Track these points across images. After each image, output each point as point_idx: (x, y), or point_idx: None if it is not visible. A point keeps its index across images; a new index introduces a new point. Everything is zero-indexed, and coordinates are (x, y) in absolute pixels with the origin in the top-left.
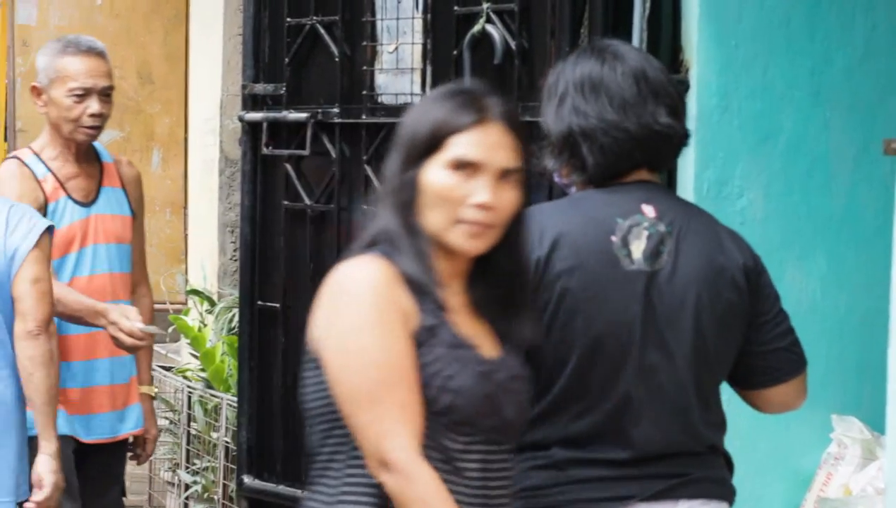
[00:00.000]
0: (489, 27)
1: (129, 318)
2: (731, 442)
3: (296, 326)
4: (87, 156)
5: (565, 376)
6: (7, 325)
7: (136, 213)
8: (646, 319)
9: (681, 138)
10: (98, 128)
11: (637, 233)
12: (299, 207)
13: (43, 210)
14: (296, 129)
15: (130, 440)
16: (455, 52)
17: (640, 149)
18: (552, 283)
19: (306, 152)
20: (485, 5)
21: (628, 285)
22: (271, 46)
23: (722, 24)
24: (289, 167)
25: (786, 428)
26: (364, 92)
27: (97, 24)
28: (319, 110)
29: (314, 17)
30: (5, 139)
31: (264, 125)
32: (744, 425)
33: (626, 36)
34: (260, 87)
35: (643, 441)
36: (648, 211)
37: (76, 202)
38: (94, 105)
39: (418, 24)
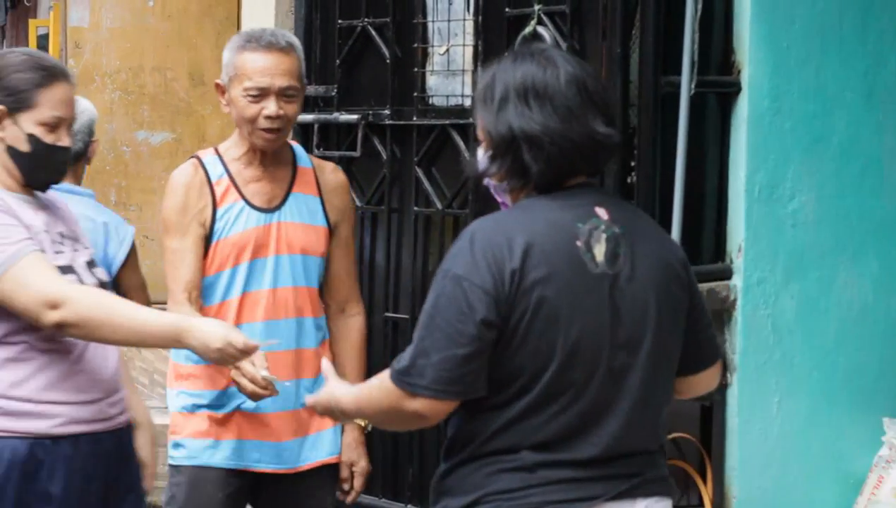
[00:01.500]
0: (540, 28)
1: (253, 364)
2: (783, 445)
3: None
4: (277, 158)
5: (542, 382)
6: None
7: (337, 224)
8: (612, 321)
9: (616, 146)
10: (277, 131)
11: (597, 237)
12: None
13: (211, 215)
14: (347, 131)
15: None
16: (506, 54)
17: (582, 157)
18: (528, 292)
19: (357, 154)
20: (536, 7)
21: (596, 289)
22: (322, 48)
23: (774, 26)
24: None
25: (838, 432)
26: (415, 93)
27: (149, 26)
28: (370, 112)
29: (365, 19)
30: None
31: (315, 127)
32: (797, 428)
33: (678, 37)
34: (311, 89)
35: (611, 441)
36: (602, 214)
37: (255, 207)
38: (270, 106)
39: (469, 25)
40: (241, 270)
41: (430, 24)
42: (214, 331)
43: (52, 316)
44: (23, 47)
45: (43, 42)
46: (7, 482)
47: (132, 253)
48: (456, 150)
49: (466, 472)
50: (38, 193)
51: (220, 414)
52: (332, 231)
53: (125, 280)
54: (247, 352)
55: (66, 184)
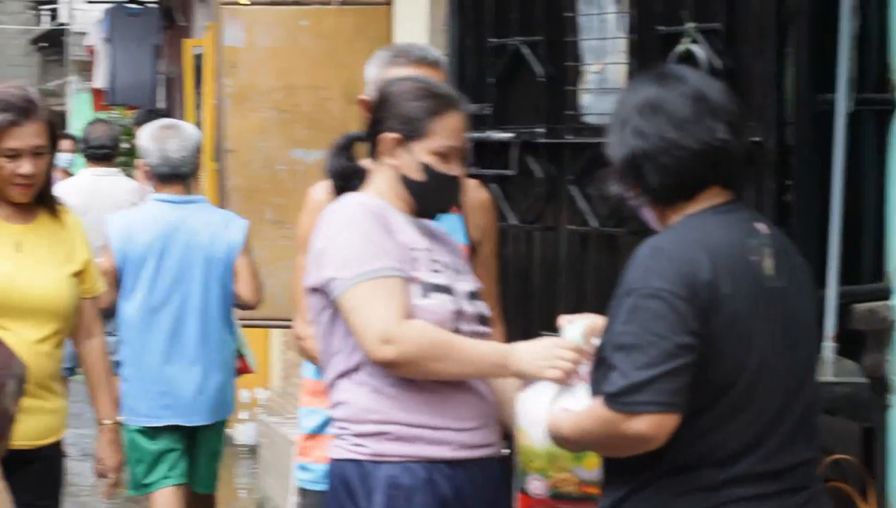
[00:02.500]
0: (694, 47)
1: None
2: None
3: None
4: None
5: (727, 399)
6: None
7: (480, 242)
8: (786, 333)
9: (745, 155)
10: None
11: (766, 252)
12: (505, 227)
13: None
14: (501, 149)
15: None
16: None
17: (704, 166)
18: (720, 307)
19: (512, 172)
20: (689, 24)
21: (773, 303)
22: (475, 67)
23: None
24: (495, 187)
25: None
26: (568, 112)
27: (303, 46)
28: (524, 130)
29: (518, 38)
30: (214, 159)
31: (470, 145)
32: None
33: (834, 54)
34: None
35: (784, 453)
36: (762, 228)
37: None
38: None
39: (622, 43)
40: None
41: (582, 43)
42: (535, 346)
43: (383, 352)
44: (416, 74)
45: (198, 61)
46: (409, 506)
47: (247, 241)
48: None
49: (644, 497)
50: (426, 221)
51: None
52: (474, 249)
53: (241, 266)
54: (576, 350)
55: (180, 196)
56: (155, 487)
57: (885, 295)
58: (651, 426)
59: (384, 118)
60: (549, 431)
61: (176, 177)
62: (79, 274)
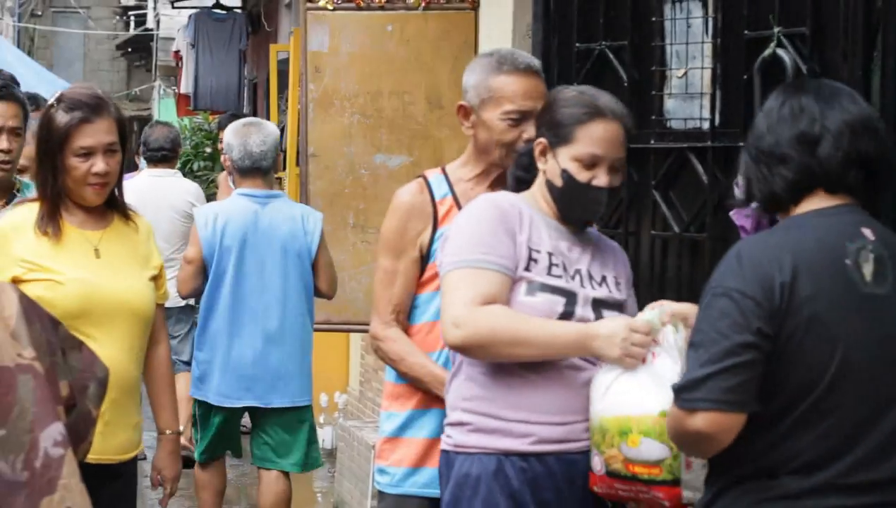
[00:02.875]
0: (780, 51)
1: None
2: None
3: None
4: (502, 184)
5: (809, 401)
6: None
7: None
8: (881, 341)
9: (881, 168)
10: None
11: (865, 257)
12: None
13: (430, 235)
14: None
15: None
16: (745, 77)
17: (832, 173)
18: (799, 309)
19: None
20: (776, 29)
21: (865, 308)
22: (560, 71)
23: None
24: None
25: None
26: (653, 116)
27: (387, 50)
28: None
29: (603, 42)
30: (297, 164)
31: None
32: None
33: None
34: None
35: (875, 465)
36: (869, 233)
37: None
38: (530, 129)
39: (708, 48)
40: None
41: (668, 47)
42: (614, 324)
43: (452, 335)
44: (583, 86)
45: (283, 66)
46: (474, 496)
47: (322, 233)
48: (694, 174)
49: (729, 500)
50: (587, 229)
51: (424, 438)
52: None
53: (319, 257)
54: (649, 332)
55: (262, 191)
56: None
57: None
58: (707, 423)
59: (540, 124)
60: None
61: (256, 170)
62: (155, 279)
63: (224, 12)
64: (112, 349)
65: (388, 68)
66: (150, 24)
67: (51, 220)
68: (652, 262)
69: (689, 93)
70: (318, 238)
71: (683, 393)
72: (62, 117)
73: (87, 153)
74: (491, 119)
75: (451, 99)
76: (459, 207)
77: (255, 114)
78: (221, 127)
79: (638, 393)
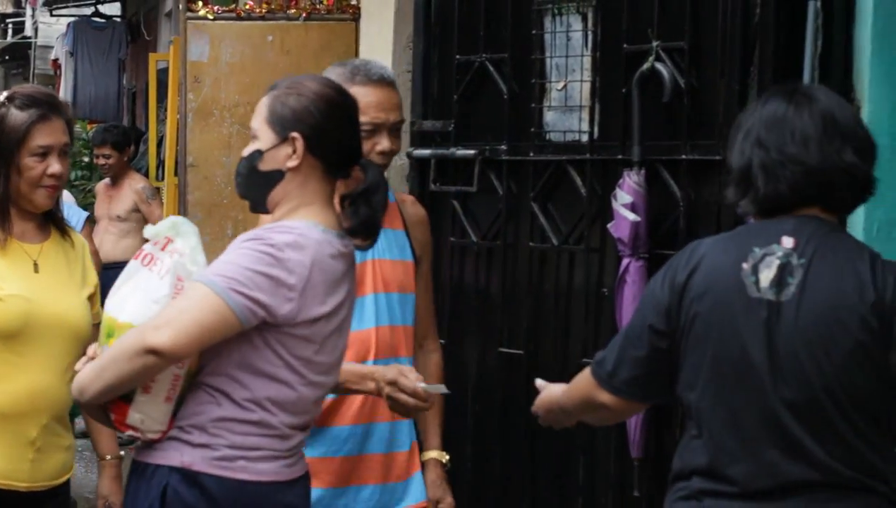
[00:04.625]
0: (658, 65)
1: (407, 377)
2: None
3: (458, 359)
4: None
5: (694, 402)
6: None
7: (420, 258)
8: (768, 347)
9: (864, 181)
10: (385, 166)
11: (768, 262)
12: (466, 244)
13: None
14: (463, 166)
15: None
16: (624, 90)
17: (816, 186)
18: (688, 307)
19: (474, 189)
20: (654, 43)
21: (750, 312)
22: (440, 83)
23: (894, 63)
24: (456, 204)
25: None
26: (532, 129)
27: (268, 61)
28: (487, 147)
29: (483, 55)
30: (176, 173)
31: (432, 162)
32: None
33: (797, 73)
34: (428, 124)
35: (778, 472)
36: (787, 242)
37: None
38: (383, 141)
39: (587, 61)
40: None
41: (547, 60)
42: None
43: None
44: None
45: (162, 76)
46: None
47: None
48: (572, 186)
49: (666, 499)
50: None
51: (320, 457)
52: (417, 264)
53: None
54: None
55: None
56: None
57: None
58: (610, 401)
59: None
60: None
61: None
62: (90, 298)
63: (103, 21)
64: (46, 371)
65: (268, 78)
66: (29, 31)
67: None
68: (530, 274)
69: (568, 105)
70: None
71: (598, 367)
72: (18, 115)
73: (44, 153)
74: None
75: None
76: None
77: (133, 123)
78: (95, 142)
79: (128, 296)
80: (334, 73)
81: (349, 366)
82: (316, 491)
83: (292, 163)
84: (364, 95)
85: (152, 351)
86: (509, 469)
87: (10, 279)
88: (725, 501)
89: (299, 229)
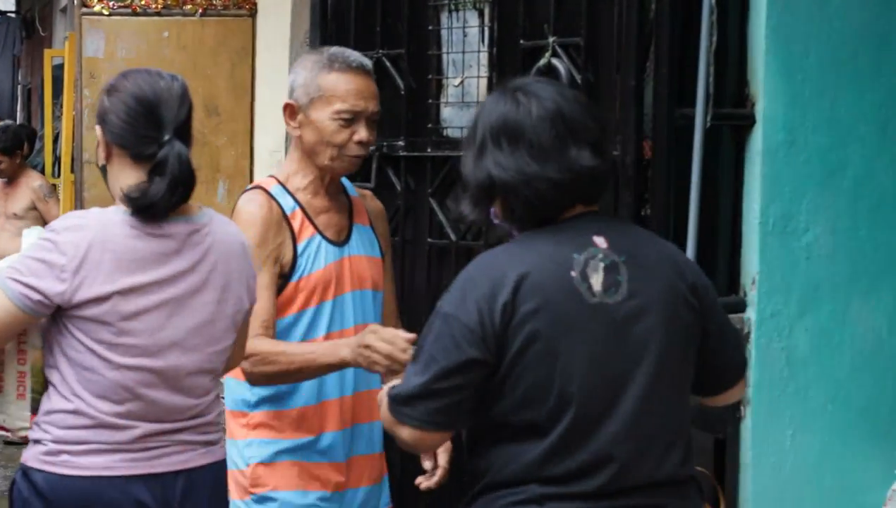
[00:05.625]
0: (555, 61)
1: (378, 331)
2: (797, 479)
3: None
4: (336, 188)
5: (544, 415)
6: None
7: (385, 253)
8: (614, 351)
9: (607, 174)
10: (362, 157)
11: (594, 266)
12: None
13: (292, 252)
14: (361, 162)
15: None
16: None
17: (567, 192)
18: (520, 326)
19: (371, 185)
20: (550, 39)
21: (594, 319)
22: None
23: (789, 59)
24: None
25: (852, 465)
26: (429, 125)
27: (164, 57)
28: (385, 143)
29: (380, 50)
30: (72, 170)
31: None
32: (810, 462)
33: (693, 69)
34: None
35: (620, 472)
36: (600, 242)
37: (329, 241)
38: (361, 131)
39: (484, 57)
40: (326, 309)
41: (444, 56)
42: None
43: None
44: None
45: (58, 72)
46: None
47: None
48: None
49: (479, 505)
50: None
51: (306, 462)
52: (383, 261)
53: None
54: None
55: None
56: None
57: (739, 307)
58: (412, 437)
59: None
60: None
61: None
62: None
63: None
64: None
65: None
66: None
67: None
68: (429, 271)
69: (465, 101)
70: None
71: (396, 404)
72: None
73: None
74: (321, 118)
75: (228, 106)
76: (310, 219)
77: (29, 120)
78: None
79: None
80: (311, 60)
81: (316, 345)
82: (320, 494)
83: (102, 155)
84: (344, 83)
85: None
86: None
87: None
88: (569, 502)
89: (90, 214)
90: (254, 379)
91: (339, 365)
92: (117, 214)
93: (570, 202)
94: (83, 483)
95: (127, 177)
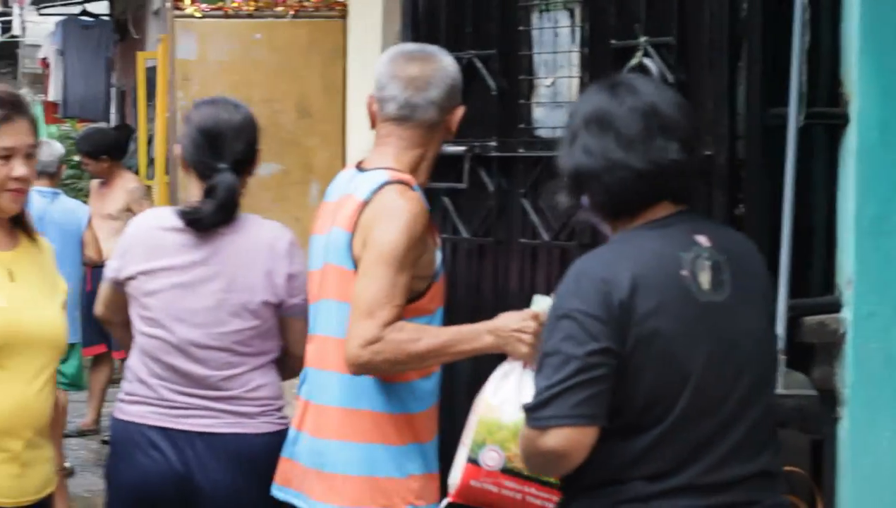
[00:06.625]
0: (646, 60)
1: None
2: (895, 478)
3: None
4: None
5: (658, 412)
6: None
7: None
8: (723, 348)
9: (694, 172)
10: None
11: (701, 265)
12: (457, 240)
13: (435, 253)
14: (453, 163)
15: None
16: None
17: (651, 186)
18: (639, 324)
19: (464, 185)
20: (642, 39)
21: (706, 317)
22: None
23: (883, 57)
24: (446, 200)
25: None
26: (521, 125)
27: (256, 59)
28: (477, 144)
29: (471, 51)
30: (166, 172)
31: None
32: None
33: (785, 68)
34: None
35: (726, 467)
36: (703, 241)
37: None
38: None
39: (575, 57)
40: (441, 311)
41: (535, 56)
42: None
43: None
44: None
45: (151, 74)
46: None
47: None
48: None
49: (581, 505)
50: None
51: (434, 473)
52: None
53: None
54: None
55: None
56: None
57: (834, 307)
58: (560, 440)
59: None
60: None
61: (43, 173)
62: (62, 305)
63: (91, 19)
64: (29, 384)
65: (256, 76)
66: (17, 30)
67: None
68: (521, 271)
69: (556, 101)
70: (85, 224)
71: (534, 412)
72: None
73: (8, 155)
74: (453, 120)
75: (320, 107)
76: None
77: (123, 121)
78: (80, 150)
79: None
80: (392, 56)
81: (454, 329)
82: None
83: (181, 168)
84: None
85: None
86: None
87: None
88: (676, 499)
89: (147, 211)
90: (373, 366)
91: (476, 352)
92: (162, 212)
93: (654, 197)
94: (122, 425)
95: (193, 188)
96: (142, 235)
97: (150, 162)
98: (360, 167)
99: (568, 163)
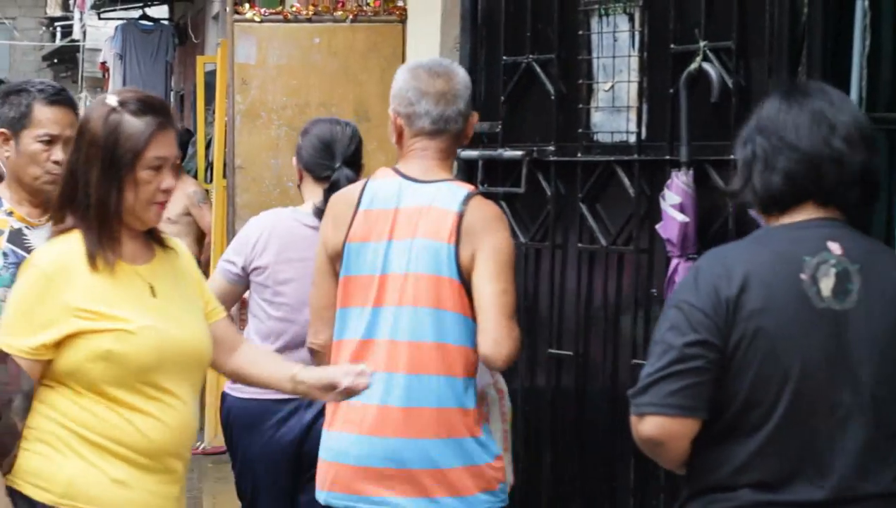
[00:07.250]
0: (706, 65)
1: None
2: None
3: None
4: None
5: (757, 415)
6: None
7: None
8: (837, 358)
9: (854, 172)
10: None
11: (825, 271)
12: (515, 245)
13: None
14: (511, 167)
15: None
16: (671, 90)
17: (805, 173)
18: (745, 322)
19: (521, 190)
20: (701, 43)
21: (819, 323)
22: (487, 84)
23: None
24: (504, 205)
25: None
26: (580, 130)
27: (315, 63)
28: (535, 148)
29: (530, 55)
30: (224, 176)
31: (480, 163)
32: None
33: (846, 72)
34: (476, 125)
35: (838, 484)
36: (835, 248)
37: None
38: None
39: (634, 62)
40: None
41: (594, 61)
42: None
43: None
44: None
45: (210, 78)
46: None
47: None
48: (620, 187)
49: (697, 506)
50: None
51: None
52: None
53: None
54: None
55: None
56: None
57: None
58: (654, 428)
59: None
60: None
61: None
62: (206, 304)
63: (151, 24)
64: (186, 402)
65: (315, 80)
66: (77, 34)
67: (110, 251)
68: (579, 276)
69: (615, 106)
70: None
71: (635, 398)
72: (134, 122)
73: (159, 166)
74: (471, 126)
75: (378, 111)
76: None
77: (182, 125)
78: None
79: None
80: (408, 69)
81: None
82: None
83: (297, 178)
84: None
85: None
86: (559, 470)
87: (133, 308)
88: None
89: (271, 211)
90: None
91: None
92: (292, 212)
93: (809, 189)
94: (245, 403)
95: (310, 192)
96: (273, 231)
97: (209, 166)
98: (409, 178)
99: (742, 153)
